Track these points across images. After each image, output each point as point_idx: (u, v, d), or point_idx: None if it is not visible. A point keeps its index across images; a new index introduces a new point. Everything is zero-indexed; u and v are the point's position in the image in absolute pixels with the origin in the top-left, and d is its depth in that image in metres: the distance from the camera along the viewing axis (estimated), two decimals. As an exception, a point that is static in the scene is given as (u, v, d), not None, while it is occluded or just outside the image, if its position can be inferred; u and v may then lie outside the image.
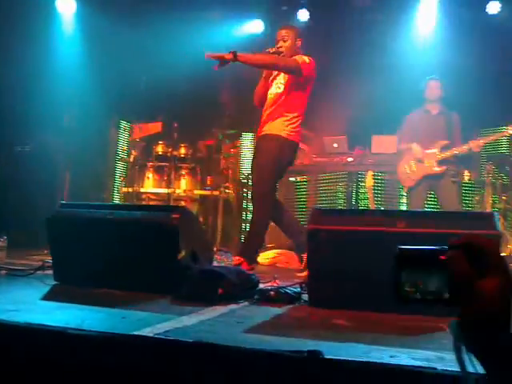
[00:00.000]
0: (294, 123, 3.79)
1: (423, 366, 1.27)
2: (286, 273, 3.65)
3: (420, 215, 2.33)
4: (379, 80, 6.45)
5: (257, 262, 4.16)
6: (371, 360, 1.34)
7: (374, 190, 5.55)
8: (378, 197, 5.61)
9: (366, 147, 5.97)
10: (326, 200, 6.05)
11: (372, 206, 5.19)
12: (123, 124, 7.20)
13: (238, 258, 3.63)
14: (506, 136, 5.10)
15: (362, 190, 5.66)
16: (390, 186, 5.84)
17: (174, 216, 2.41)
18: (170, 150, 6.06)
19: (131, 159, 6.06)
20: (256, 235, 3.78)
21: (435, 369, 1.25)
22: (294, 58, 3.73)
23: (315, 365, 1.31)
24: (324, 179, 6.10)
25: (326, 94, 7.00)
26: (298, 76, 3.69)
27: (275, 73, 3.90)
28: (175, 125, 6.11)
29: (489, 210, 5.40)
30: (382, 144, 5.84)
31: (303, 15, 7.19)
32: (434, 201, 5.29)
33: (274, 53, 3.77)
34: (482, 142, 4.92)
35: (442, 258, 0.73)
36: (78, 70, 6.04)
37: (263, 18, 7.44)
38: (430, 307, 0.75)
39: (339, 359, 1.32)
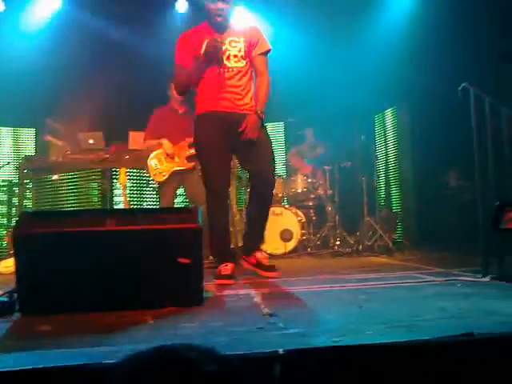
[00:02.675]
0: None
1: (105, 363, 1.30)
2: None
3: (129, 213, 2.40)
4: (134, 75, 6.48)
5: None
6: (67, 364, 1.33)
7: (128, 186, 5.55)
8: (132, 194, 5.63)
9: (124, 143, 5.94)
10: (79, 199, 5.80)
11: (126, 204, 5.17)
12: None
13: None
14: None
15: (116, 188, 5.59)
16: (144, 183, 5.90)
17: None
18: None
19: None
20: None
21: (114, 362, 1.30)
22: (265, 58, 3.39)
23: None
24: (78, 177, 5.84)
25: (82, 87, 6.73)
26: None
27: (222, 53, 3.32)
28: None
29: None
30: (140, 140, 5.86)
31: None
32: (183, 195, 5.53)
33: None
34: None
35: None
36: None
37: None
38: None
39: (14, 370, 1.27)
